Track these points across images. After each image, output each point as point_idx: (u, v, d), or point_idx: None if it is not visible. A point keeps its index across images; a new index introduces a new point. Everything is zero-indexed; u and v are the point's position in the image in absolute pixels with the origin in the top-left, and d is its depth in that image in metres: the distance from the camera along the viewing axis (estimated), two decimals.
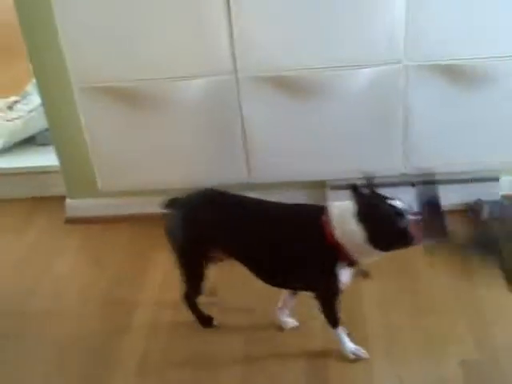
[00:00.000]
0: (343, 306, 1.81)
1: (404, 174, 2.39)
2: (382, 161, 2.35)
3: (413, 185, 2.50)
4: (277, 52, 2.17)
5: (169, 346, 1.98)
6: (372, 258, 1.71)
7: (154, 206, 2.66)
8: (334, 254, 1.68)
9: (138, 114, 2.31)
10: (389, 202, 1.63)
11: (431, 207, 1.68)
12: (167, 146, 2.38)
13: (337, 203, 1.72)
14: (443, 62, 2.16)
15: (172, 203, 1.89)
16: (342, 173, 2.36)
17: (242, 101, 2.26)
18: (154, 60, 2.20)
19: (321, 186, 2.54)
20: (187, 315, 2.06)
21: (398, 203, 1.62)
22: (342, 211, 1.68)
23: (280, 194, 2.61)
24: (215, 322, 2.02)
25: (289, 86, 2.23)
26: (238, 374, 1.85)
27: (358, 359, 1.84)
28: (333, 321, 1.83)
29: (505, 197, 2.50)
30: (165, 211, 1.88)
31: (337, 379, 1.80)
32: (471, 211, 2.47)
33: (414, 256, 2.22)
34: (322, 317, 1.82)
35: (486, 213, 2.42)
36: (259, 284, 1.85)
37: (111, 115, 2.32)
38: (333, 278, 1.72)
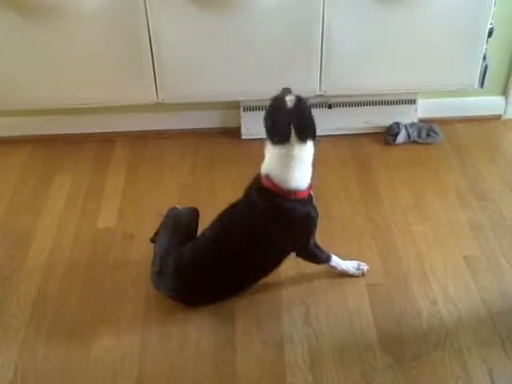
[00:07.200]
0: None
1: (320, 96, 2.32)
2: (298, 82, 2.23)
3: (329, 106, 2.43)
4: None
5: (66, 279, 1.87)
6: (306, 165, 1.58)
7: (54, 126, 2.49)
8: (293, 200, 1.57)
9: (33, 24, 2.08)
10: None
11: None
12: (62, 61, 2.17)
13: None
14: None
15: None
16: (256, 93, 2.25)
17: (149, 13, 2.07)
18: None
19: (235, 106, 2.43)
20: (86, 245, 1.97)
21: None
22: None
23: (192, 116, 2.50)
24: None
25: None
26: (140, 319, 1.75)
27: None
28: (325, 258, 1.77)
29: (422, 120, 2.47)
30: None
31: (243, 311, 1.75)
32: (388, 134, 2.42)
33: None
34: None
35: (402, 136, 2.39)
36: None
37: None
38: (311, 220, 1.64)
